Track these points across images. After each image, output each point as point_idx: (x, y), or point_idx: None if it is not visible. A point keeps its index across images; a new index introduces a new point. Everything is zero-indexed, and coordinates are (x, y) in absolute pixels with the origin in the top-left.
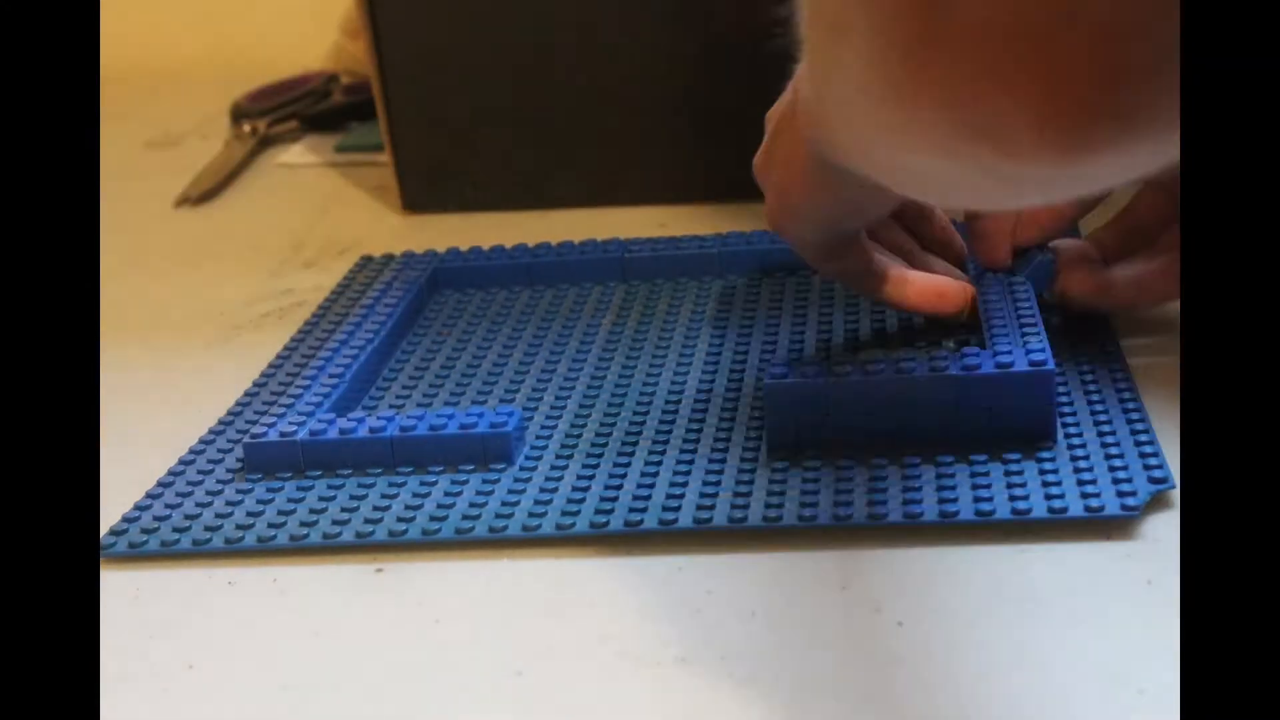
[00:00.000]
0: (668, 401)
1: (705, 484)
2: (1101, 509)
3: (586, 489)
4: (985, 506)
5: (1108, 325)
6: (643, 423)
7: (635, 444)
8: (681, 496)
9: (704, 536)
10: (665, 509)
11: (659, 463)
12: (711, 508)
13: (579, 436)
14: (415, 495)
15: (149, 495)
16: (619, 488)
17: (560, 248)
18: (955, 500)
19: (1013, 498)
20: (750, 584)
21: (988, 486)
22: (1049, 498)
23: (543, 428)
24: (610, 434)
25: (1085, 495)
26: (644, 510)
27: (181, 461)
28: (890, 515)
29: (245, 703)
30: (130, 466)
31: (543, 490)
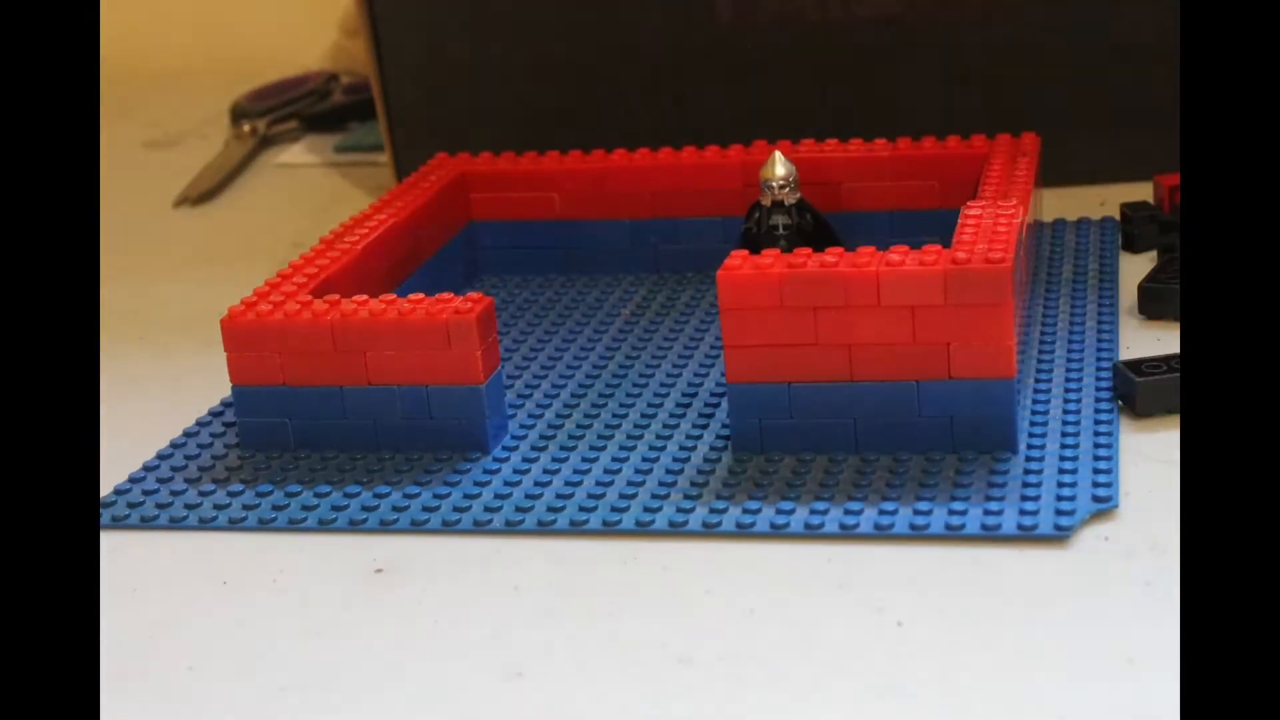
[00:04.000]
0: (655, 395)
1: (661, 484)
2: (1034, 527)
3: (548, 483)
4: (920, 520)
5: (1113, 337)
6: (624, 416)
7: (609, 439)
8: (633, 496)
9: (705, 536)
10: (613, 509)
11: (625, 459)
12: (658, 509)
13: (559, 429)
14: (387, 483)
15: (145, 467)
16: (577, 484)
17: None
18: (894, 512)
19: (951, 512)
20: (749, 583)
21: (930, 499)
22: (986, 514)
23: (529, 416)
24: (590, 427)
25: (1023, 513)
26: (592, 510)
27: (172, 444)
28: (826, 526)
29: (245, 703)
30: (129, 464)
31: (506, 484)
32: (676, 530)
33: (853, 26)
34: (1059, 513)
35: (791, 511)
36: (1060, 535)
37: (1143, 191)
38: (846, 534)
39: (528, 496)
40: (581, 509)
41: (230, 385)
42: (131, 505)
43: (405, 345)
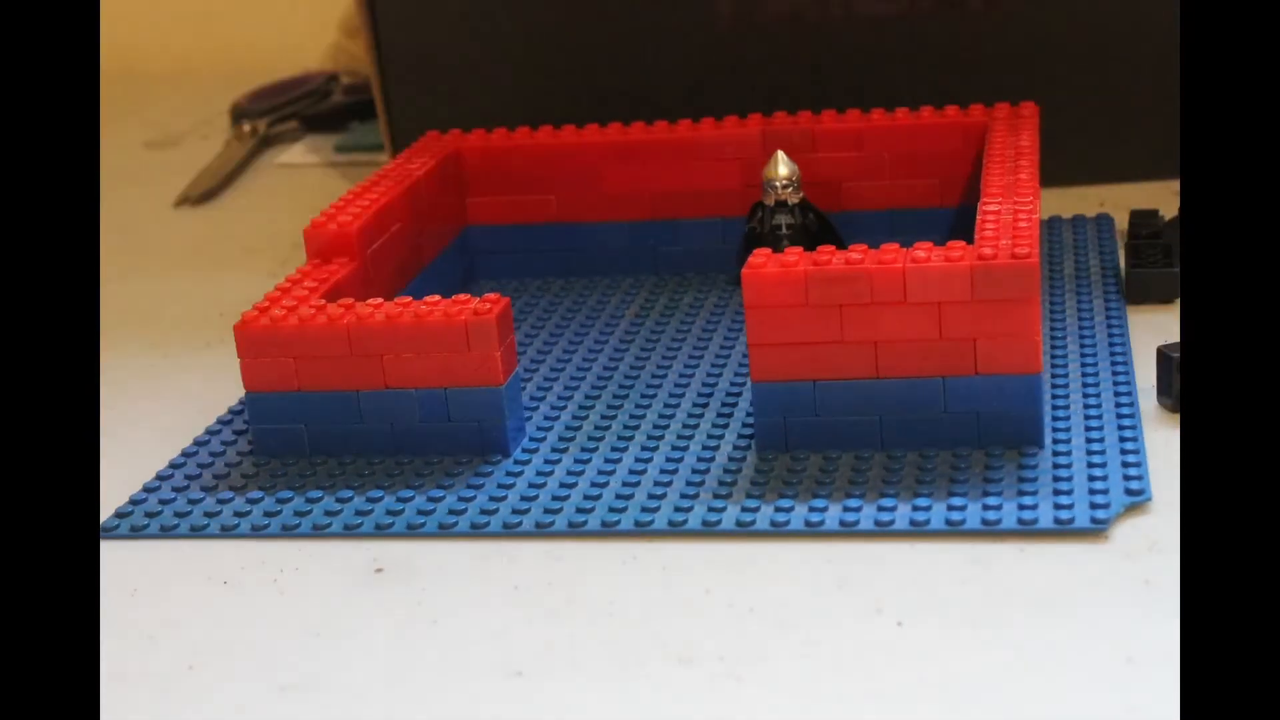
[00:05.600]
0: (671, 396)
1: (689, 484)
2: (1071, 521)
3: (574, 485)
4: (956, 516)
5: (1123, 330)
6: (643, 416)
7: (630, 439)
8: (663, 496)
9: (704, 536)
10: (643, 510)
11: (649, 459)
12: (689, 510)
13: (578, 429)
14: (409, 488)
15: (158, 476)
16: (604, 485)
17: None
18: (928, 509)
19: (985, 507)
20: (749, 583)
21: (963, 494)
22: (1021, 508)
23: (545, 419)
24: (609, 428)
25: (1058, 506)
26: (623, 511)
27: (183, 453)
28: (862, 523)
29: (245, 703)
30: (131, 465)
31: (531, 486)
32: (710, 530)
33: (853, 27)
34: (1093, 506)
35: (824, 509)
36: (1097, 529)
37: (1143, 192)
38: (881, 530)
39: (554, 498)
40: (612, 510)
41: (242, 389)
42: (150, 515)
43: (423, 348)
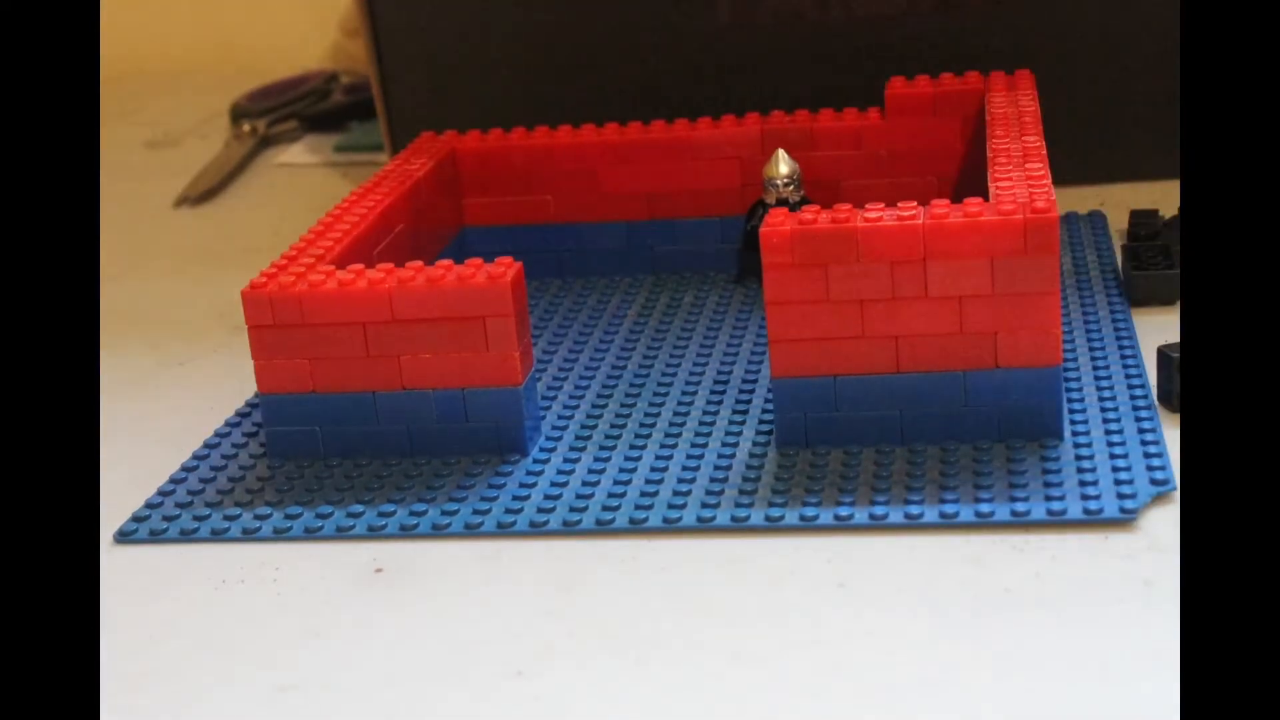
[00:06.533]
0: (683, 394)
1: (712, 480)
2: (1100, 511)
3: (596, 483)
4: (985, 508)
5: (1128, 325)
6: (657, 414)
7: (648, 437)
8: (688, 494)
9: (704, 535)
10: (670, 506)
11: (669, 458)
12: (716, 505)
13: (593, 430)
14: (430, 488)
15: (172, 480)
16: (627, 483)
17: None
18: (956, 501)
19: (1013, 499)
20: (750, 583)
21: (990, 487)
22: (1049, 499)
23: (559, 418)
24: (625, 426)
25: (1085, 497)
26: (649, 508)
27: (195, 456)
28: (890, 516)
29: (245, 703)
30: (134, 466)
31: (553, 484)
32: (739, 526)
33: (852, 27)
34: (1120, 496)
35: (851, 504)
36: (1126, 518)
37: (1143, 192)
38: (911, 523)
39: (579, 497)
40: (638, 508)
41: (244, 389)
42: (168, 519)
43: (441, 347)
